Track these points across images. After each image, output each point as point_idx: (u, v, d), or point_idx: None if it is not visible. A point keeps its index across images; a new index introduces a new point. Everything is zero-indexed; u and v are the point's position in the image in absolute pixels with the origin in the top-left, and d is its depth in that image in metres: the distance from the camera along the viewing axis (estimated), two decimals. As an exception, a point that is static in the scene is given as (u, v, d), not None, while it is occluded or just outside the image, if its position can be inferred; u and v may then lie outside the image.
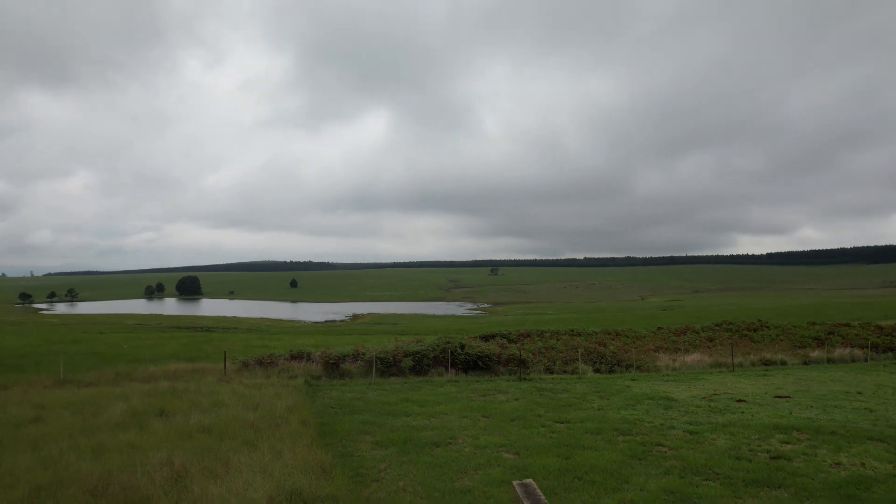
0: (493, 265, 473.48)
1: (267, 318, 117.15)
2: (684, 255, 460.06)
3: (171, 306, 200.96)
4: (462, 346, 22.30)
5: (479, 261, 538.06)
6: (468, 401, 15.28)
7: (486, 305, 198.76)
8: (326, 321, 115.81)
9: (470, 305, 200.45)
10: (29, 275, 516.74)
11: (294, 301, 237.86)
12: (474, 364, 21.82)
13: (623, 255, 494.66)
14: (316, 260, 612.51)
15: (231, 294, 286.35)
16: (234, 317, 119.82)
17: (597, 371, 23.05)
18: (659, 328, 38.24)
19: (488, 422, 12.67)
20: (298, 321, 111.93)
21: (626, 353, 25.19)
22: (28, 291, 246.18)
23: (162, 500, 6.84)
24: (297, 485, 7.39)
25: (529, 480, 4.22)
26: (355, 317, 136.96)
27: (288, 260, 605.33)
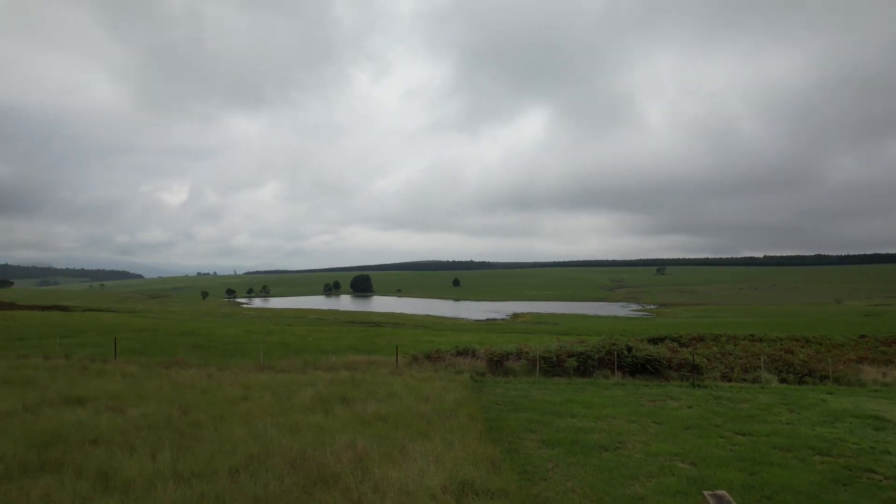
0: (659, 264, 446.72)
1: (431, 315, 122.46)
2: (888, 252, 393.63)
3: (346, 302, 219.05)
4: (629, 349, 21.44)
5: (643, 259, 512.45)
6: (636, 405, 14.66)
7: (651, 307, 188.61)
8: (488, 319, 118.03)
9: (634, 306, 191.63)
10: (233, 273, 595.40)
11: (456, 299, 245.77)
12: (642, 367, 20.86)
13: (812, 253, 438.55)
14: (477, 259, 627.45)
15: (399, 292, 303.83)
16: (402, 313, 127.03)
17: (783, 381, 20.76)
18: (862, 336, 33.41)
19: (659, 428, 12.06)
20: (461, 319, 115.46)
21: (819, 363, 22.36)
22: (232, 288, 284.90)
23: (349, 478, 7.51)
24: (468, 476, 7.69)
25: (723, 492, 3.97)
26: (515, 315, 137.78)
27: (451, 259, 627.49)
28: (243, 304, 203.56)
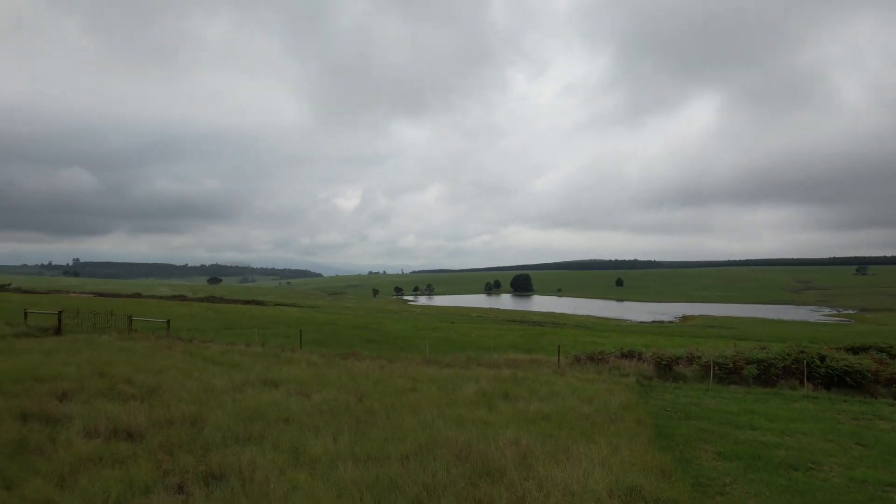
0: (860, 263, 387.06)
1: (593, 316, 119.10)
2: None
3: (506, 301, 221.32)
4: (822, 357, 18.96)
5: (837, 258, 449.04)
6: (833, 423, 12.94)
7: (850, 311, 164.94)
8: (654, 321, 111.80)
9: (827, 310, 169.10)
10: (400, 272, 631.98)
11: (619, 300, 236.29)
12: (839, 380, 18.32)
13: None
14: (641, 258, 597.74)
15: (559, 291, 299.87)
16: (562, 313, 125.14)
17: None
18: None
19: (865, 451, 10.52)
20: (625, 320, 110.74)
21: None
22: (400, 286, 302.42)
23: (513, 473, 7.61)
24: (636, 482, 7.38)
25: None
26: (685, 318, 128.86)
27: (613, 258, 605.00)
28: (410, 301, 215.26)
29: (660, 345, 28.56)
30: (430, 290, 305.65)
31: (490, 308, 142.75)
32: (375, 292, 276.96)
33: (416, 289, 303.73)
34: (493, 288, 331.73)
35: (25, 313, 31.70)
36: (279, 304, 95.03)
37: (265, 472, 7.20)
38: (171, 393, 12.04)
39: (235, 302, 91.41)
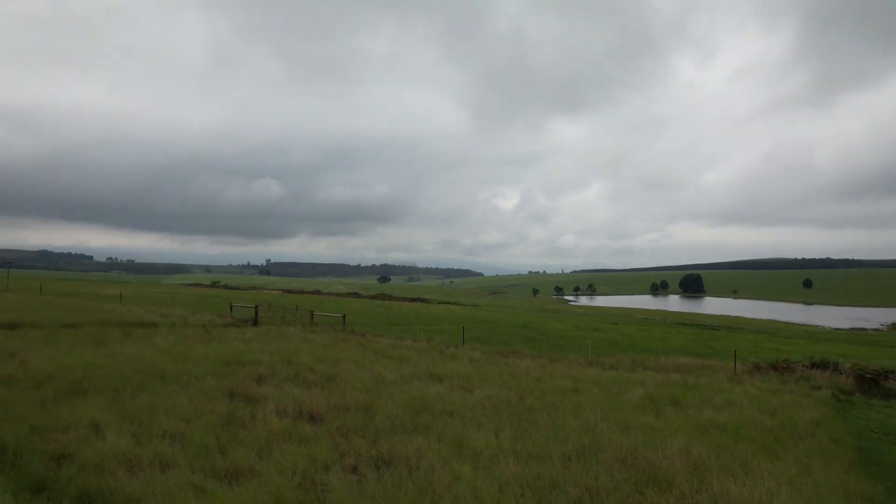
0: None
1: (775, 321, 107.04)
2: None
3: (674, 303, 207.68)
4: None
5: None
6: None
7: None
8: (853, 328, 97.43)
9: None
10: (560, 272, 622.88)
11: (808, 303, 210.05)
12: None
13: None
14: (835, 256, 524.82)
15: (734, 293, 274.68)
16: (739, 316, 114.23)
17: None
18: None
19: None
20: (815, 326, 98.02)
21: None
22: (560, 285, 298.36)
23: (683, 485, 7.12)
24: (833, 508, 6.51)
25: None
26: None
27: (799, 257, 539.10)
28: (570, 301, 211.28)
29: (861, 355, 24.86)
30: (591, 290, 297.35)
31: (657, 310, 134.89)
32: (535, 292, 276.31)
33: (576, 288, 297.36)
34: (659, 288, 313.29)
35: (231, 306, 36.60)
36: (443, 302, 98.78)
37: (430, 461, 7.54)
38: (346, 382, 13.12)
39: (403, 300, 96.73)
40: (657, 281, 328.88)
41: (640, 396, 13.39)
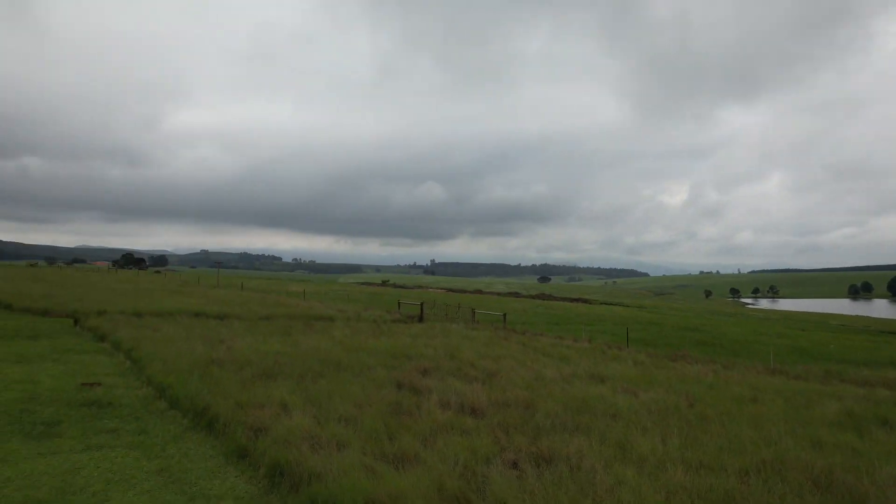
0: None
1: None
2: None
3: (880, 308, 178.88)
4: None
5: None
6: None
7: None
8: None
9: None
10: (736, 272, 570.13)
11: None
12: None
13: None
14: None
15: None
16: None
17: None
18: None
19: None
20: None
21: None
22: (736, 287, 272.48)
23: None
24: None
25: None
26: None
27: None
28: (748, 304, 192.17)
29: None
30: (772, 292, 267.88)
31: (857, 316, 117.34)
32: (708, 293, 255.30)
33: (755, 290, 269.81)
34: (860, 291, 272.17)
35: (399, 304, 38.92)
36: (605, 303, 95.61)
37: (592, 462, 7.33)
38: (506, 378, 13.26)
39: (563, 300, 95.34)
40: (857, 283, 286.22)
41: (837, 412, 11.77)
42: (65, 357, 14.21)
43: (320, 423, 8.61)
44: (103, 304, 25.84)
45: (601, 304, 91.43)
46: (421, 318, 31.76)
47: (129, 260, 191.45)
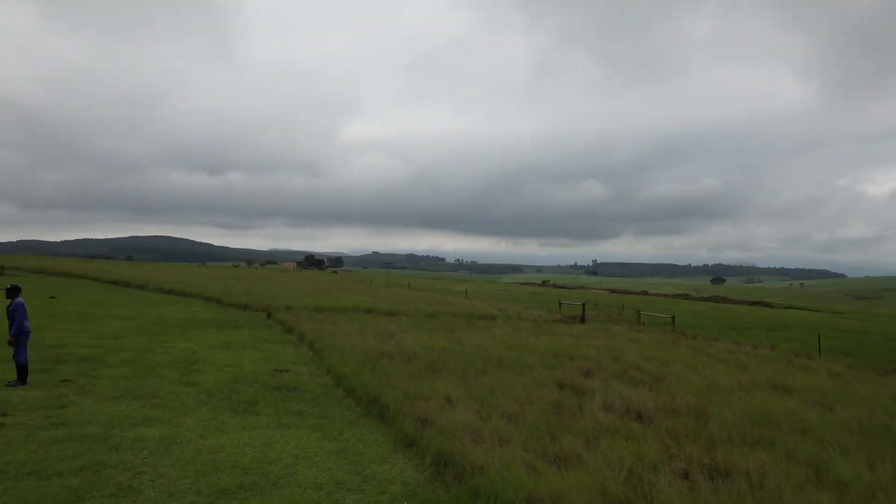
0: None
1: None
2: None
3: None
4: None
5: None
6: None
7: None
8: None
9: None
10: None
11: None
12: None
13: None
14: None
15: None
16: None
17: None
18: None
19: None
20: None
21: None
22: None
23: None
24: None
25: None
26: None
27: None
28: None
29: None
30: None
31: None
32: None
33: None
34: None
35: (559, 303, 38.42)
36: (790, 307, 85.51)
37: (777, 481, 6.62)
38: (675, 384, 12.47)
39: (740, 302, 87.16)
40: None
41: None
42: (261, 346, 16.18)
43: (483, 417, 8.81)
44: (290, 300, 28.94)
45: (785, 307, 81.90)
46: (583, 319, 31.03)
47: (311, 261, 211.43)
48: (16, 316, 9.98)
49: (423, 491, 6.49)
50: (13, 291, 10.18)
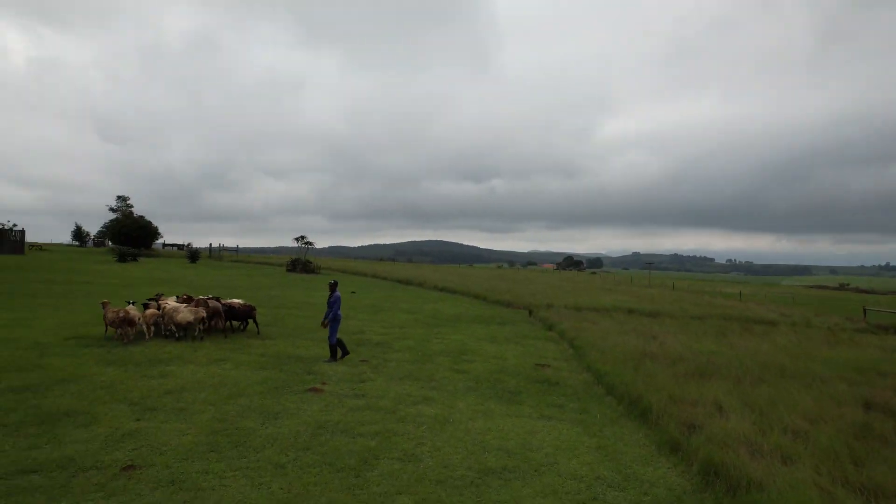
0: None
1: None
2: None
3: None
4: None
5: None
6: None
7: None
8: None
9: None
10: None
11: None
12: None
13: None
14: None
15: None
16: None
17: None
18: None
19: None
20: None
21: None
22: None
23: None
24: None
25: None
26: None
27: None
28: None
29: None
30: None
31: None
32: None
33: None
34: None
35: (864, 310, 31.97)
36: None
37: None
38: None
39: None
40: None
41: None
42: (523, 341, 16.88)
43: (762, 430, 7.86)
44: (550, 299, 29.53)
45: None
46: (899, 329, 25.29)
47: (570, 262, 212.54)
48: (334, 306, 12.15)
49: (689, 499, 6.08)
50: (334, 286, 12.44)
